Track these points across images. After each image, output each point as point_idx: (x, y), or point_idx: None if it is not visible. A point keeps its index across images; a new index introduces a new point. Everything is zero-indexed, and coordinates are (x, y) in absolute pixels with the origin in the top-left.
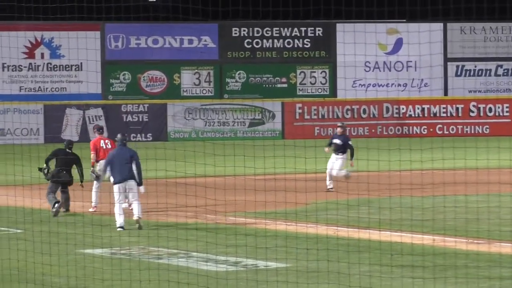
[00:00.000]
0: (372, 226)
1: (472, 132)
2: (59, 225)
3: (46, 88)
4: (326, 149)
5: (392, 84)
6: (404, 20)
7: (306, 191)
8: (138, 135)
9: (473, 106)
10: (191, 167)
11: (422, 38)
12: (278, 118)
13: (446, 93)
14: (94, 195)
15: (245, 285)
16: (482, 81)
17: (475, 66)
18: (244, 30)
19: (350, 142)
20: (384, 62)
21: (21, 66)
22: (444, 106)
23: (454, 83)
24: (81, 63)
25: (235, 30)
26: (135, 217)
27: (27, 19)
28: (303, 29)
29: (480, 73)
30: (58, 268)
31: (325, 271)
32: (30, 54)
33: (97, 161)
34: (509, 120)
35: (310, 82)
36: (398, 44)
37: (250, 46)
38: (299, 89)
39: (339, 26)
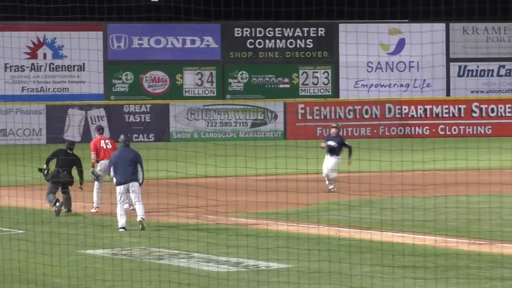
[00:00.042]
0: (373, 227)
1: (475, 132)
2: (61, 226)
3: (49, 89)
4: (323, 144)
5: (395, 85)
6: (407, 20)
7: (307, 192)
8: (140, 135)
9: (476, 106)
10: (192, 168)
11: (425, 39)
12: (280, 118)
13: (448, 94)
14: (95, 195)
15: (247, 285)
16: (484, 82)
17: (478, 67)
18: (246, 31)
19: (346, 142)
20: (387, 63)
21: (24, 66)
22: (447, 106)
23: (456, 84)
24: (84, 63)
25: (238, 30)
26: (138, 218)
27: (30, 19)
28: (305, 29)
29: (482, 74)
30: (59, 268)
31: (326, 272)
32: (33, 54)
33: (97, 161)
34: None
35: (313, 83)
36: (401, 44)
37: (252, 46)
38: (301, 89)
39: (342, 27)
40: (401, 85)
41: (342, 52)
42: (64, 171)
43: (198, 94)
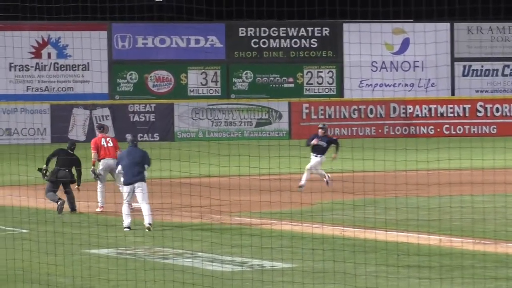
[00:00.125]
0: (378, 227)
1: (479, 132)
2: (64, 225)
3: (53, 88)
4: (314, 141)
5: (399, 84)
6: (411, 20)
7: (311, 191)
8: (145, 135)
9: (480, 106)
10: (196, 167)
11: (429, 38)
12: (285, 118)
13: (453, 93)
14: (99, 195)
15: (251, 285)
16: (489, 81)
17: (482, 66)
18: (251, 30)
19: (334, 138)
20: (391, 62)
21: (28, 66)
22: (451, 106)
23: (461, 83)
24: (88, 63)
25: (242, 30)
26: (146, 225)
27: (31, 19)
28: (310, 29)
29: (487, 73)
30: (63, 268)
31: (331, 272)
32: (37, 54)
33: (98, 160)
34: None
35: (317, 82)
36: (405, 44)
37: (257, 46)
38: (306, 89)
39: (346, 26)
40: (406, 85)
41: (346, 52)
42: (64, 170)
43: (203, 93)
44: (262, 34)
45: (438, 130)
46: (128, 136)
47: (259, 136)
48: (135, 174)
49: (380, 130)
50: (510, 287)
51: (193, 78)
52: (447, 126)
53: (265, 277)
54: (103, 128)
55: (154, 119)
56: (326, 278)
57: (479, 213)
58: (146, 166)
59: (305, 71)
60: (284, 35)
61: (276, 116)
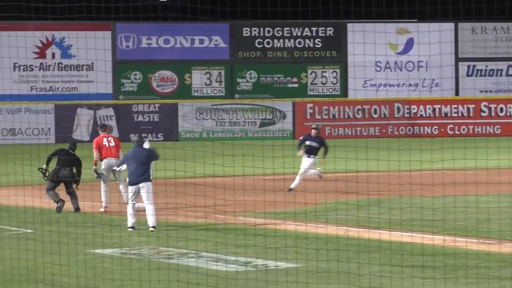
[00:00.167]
0: (382, 226)
1: (483, 132)
2: (69, 225)
3: (57, 88)
4: (300, 152)
5: (403, 84)
6: (415, 20)
7: (315, 191)
8: (149, 135)
9: (484, 106)
10: (200, 167)
11: (433, 38)
12: (289, 118)
13: (457, 93)
14: (103, 195)
15: (255, 285)
16: (493, 81)
17: (486, 66)
18: (255, 30)
19: (326, 142)
20: (395, 62)
21: (32, 66)
22: (455, 106)
23: (465, 83)
24: (92, 63)
25: (246, 30)
26: (150, 227)
27: (36, 19)
28: (314, 29)
29: (491, 73)
30: (68, 268)
31: (335, 272)
32: (41, 54)
33: (100, 159)
34: None
35: (321, 82)
36: (409, 44)
37: (261, 46)
38: (310, 89)
39: (350, 26)
40: (410, 85)
41: (350, 52)
42: (65, 169)
43: (207, 93)
44: (266, 34)
45: (442, 130)
46: (133, 137)
47: (263, 136)
48: (140, 174)
49: (384, 130)
50: None
51: (197, 78)
52: (451, 126)
53: (269, 277)
54: (105, 128)
55: (158, 119)
56: (330, 278)
57: (484, 213)
58: (153, 162)
59: (309, 71)
60: (288, 35)
61: (280, 116)
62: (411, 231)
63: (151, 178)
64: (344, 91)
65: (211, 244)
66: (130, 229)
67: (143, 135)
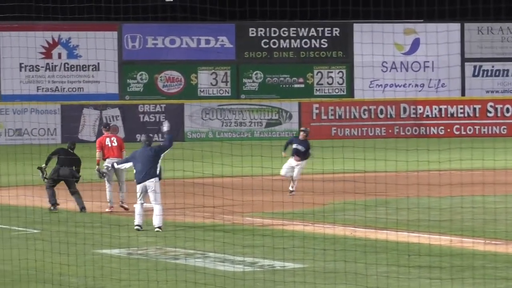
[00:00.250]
0: (389, 227)
1: (490, 132)
2: (77, 225)
3: (63, 88)
4: (284, 153)
5: (409, 85)
6: (421, 20)
7: (323, 192)
8: (155, 135)
9: (491, 106)
10: (209, 167)
11: (440, 38)
12: (295, 118)
13: (463, 94)
14: (108, 195)
15: (262, 285)
16: (499, 82)
17: (493, 66)
18: (261, 30)
19: (310, 151)
20: (401, 62)
21: (39, 66)
22: (462, 106)
23: (471, 84)
24: (98, 63)
25: (252, 30)
26: (155, 227)
27: (45, 19)
28: (320, 29)
29: (497, 73)
30: (75, 268)
31: (342, 272)
32: (47, 54)
33: (103, 159)
34: None
35: (327, 82)
36: (415, 44)
37: (267, 46)
38: (316, 89)
39: (356, 26)
40: (416, 85)
41: (356, 52)
42: (65, 168)
43: (213, 94)
44: (272, 35)
45: (448, 130)
46: (142, 137)
47: (269, 137)
48: (146, 173)
49: (390, 131)
50: None
51: (203, 78)
52: (457, 126)
53: (276, 277)
54: (108, 127)
55: (164, 120)
56: (337, 278)
57: (491, 214)
58: (162, 160)
59: (315, 72)
60: (294, 35)
61: (286, 116)
62: (418, 231)
63: (160, 176)
64: (350, 91)
65: (218, 245)
66: (136, 227)
67: (150, 135)
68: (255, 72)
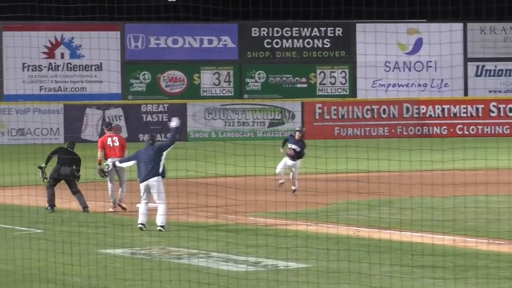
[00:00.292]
0: (393, 227)
1: (492, 132)
2: (80, 225)
3: (66, 88)
4: (282, 150)
5: (412, 84)
6: (425, 20)
7: (327, 192)
8: (158, 135)
9: (493, 106)
10: (212, 167)
11: (443, 38)
12: (298, 118)
13: (466, 93)
14: (110, 194)
15: (266, 285)
16: (502, 81)
17: (496, 66)
18: (263, 30)
19: (305, 150)
20: (404, 62)
21: (41, 66)
22: (464, 106)
23: (474, 83)
24: (101, 63)
25: (255, 30)
26: (158, 225)
27: (48, 19)
28: (322, 29)
29: (500, 73)
30: (79, 268)
31: (346, 272)
32: (50, 54)
33: (105, 159)
34: None
35: (330, 82)
36: (418, 44)
37: (269, 46)
38: (318, 89)
39: (359, 26)
40: (419, 85)
41: (359, 52)
42: (66, 167)
43: (216, 93)
44: (275, 34)
45: (451, 130)
46: (145, 136)
47: (272, 136)
48: (148, 172)
49: (393, 130)
50: None
51: (206, 78)
52: (460, 126)
53: (280, 277)
54: (110, 126)
55: (167, 119)
56: (340, 278)
57: (494, 213)
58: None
59: (318, 71)
60: (297, 35)
61: (289, 116)
62: (421, 231)
63: (163, 175)
64: (353, 91)
65: (221, 244)
66: (139, 226)
67: (153, 134)
68: (257, 72)
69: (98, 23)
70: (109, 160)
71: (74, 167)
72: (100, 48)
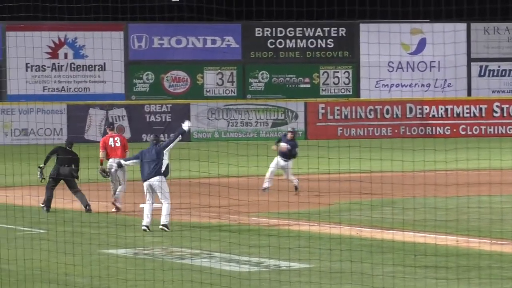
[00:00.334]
0: (395, 227)
1: (496, 132)
2: (82, 225)
3: (70, 88)
4: (274, 147)
5: (416, 85)
6: (428, 20)
7: (329, 192)
8: (161, 135)
9: (497, 106)
10: (215, 167)
11: (446, 38)
12: (301, 118)
13: (469, 94)
14: (113, 193)
15: (268, 285)
16: (506, 82)
17: (499, 66)
18: (267, 30)
19: (297, 149)
20: (408, 62)
21: (45, 66)
22: (468, 106)
23: (477, 84)
24: (104, 63)
25: (258, 30)
26: (160, 224)
27: (51, 19)
28: (326, 29)
29: (504, 73)
30: (81, 268)
31: (348, 272)
32: (54, 54)
33: (107, 159)
34: None
35: (333, 82)
36: (422, 44)
37: (273, 46)
38: (322, 89)
39: (363, 26)
40: (422, 85)
41: (363, 52)
42: (65, 167)
43: (219, 94)
44: (279, 35)
45: (455, 130)
46: (150, 136)
47: (275, 137)
48: (150, 170)
49: (396, 131)
50: None
51: (209, 78)
52: (463, 126)
53: (282, 278)
54: (112, 126)
55: (170, 119)
56: (343, 278)
57: (497, 214)
58: (170, 146)
59: (321, 71)
60: (301, 35)
61: (292, 116)
62: (424, 231)
63: (166, 174)
64: (356, 91)
65: (224, 245)
66: (143, 228)
67: (157, 134)
68: (261, 72)
69: (101, 23)
70: (111, 160)
71: (73, 166)
72: (104, 48)
